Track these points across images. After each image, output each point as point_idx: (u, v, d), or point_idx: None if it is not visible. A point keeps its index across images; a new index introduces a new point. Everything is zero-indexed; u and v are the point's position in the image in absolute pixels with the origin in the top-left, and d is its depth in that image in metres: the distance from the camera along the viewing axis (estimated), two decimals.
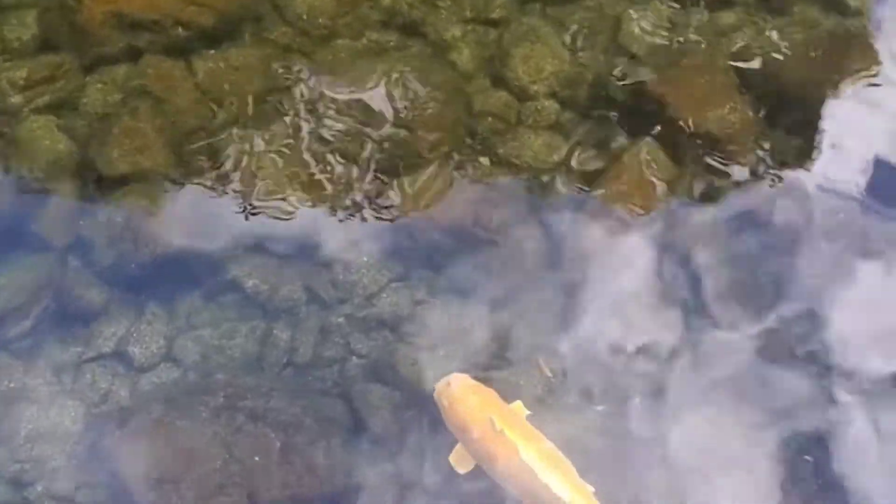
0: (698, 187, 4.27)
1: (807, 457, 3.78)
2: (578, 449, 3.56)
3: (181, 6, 4.36)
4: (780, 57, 4.49)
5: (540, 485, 3.36)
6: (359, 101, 4.33)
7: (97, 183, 4.16)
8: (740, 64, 4.48)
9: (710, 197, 4.25)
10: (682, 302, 4.03)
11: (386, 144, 4.27)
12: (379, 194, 4.20)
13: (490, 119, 4.39)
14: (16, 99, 4.27)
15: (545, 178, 4.27)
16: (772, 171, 4.31)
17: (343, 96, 4.35)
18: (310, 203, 4.17)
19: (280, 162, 4.23)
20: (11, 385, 3.85)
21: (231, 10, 4.45)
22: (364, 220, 4.16)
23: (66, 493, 3.68)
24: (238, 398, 3.76)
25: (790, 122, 4.42)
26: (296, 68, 4.43)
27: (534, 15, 4.61)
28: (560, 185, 4.26)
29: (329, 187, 4.21)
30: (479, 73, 4.51)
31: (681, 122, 4.27)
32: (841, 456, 3.77)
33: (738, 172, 4.30)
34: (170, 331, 3.97)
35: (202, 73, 4.34)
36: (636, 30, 4.55)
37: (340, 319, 3.98)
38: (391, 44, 4.53)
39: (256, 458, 3.65)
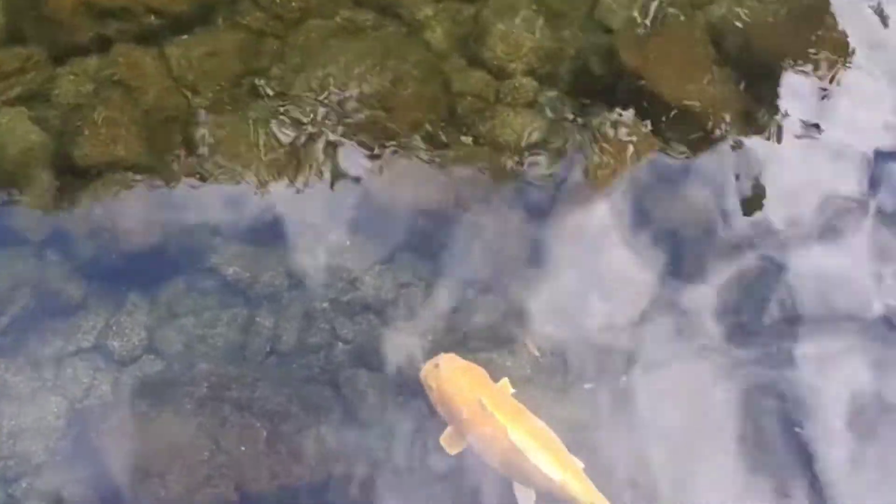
0: (678, 160, 4.26)
1: (797, 428, 3.79)
2: (568, 426, 3.56)
3: None
4: (759, 28, 4.48)
5: (530, 465, 3.37)
6: (335, 82, 4.30)
7: (72, 174, 4.11)
8: (718, 36, 4.47)
9: (690, 170, 4.24)
10: (666, 276, 4.04)
11: (364, 126, 4.24)
12: (359, 177, 4.17)
13: (469, 98, 4.36)
14: None
15: (526, 156, 4.26)
16: (751, 143, 4.31)
17: (318, 79, 4.31)
18: (289, 188, 4.14)
19: (256, 147, 4.20)
20: None
21: None
22: (345, 203, 4.13)
23: (51, 488, 3.64)
24: (223, 388, 3.74)
25: (769, 93, 4.43)
26: (270, 52, 4.39)
27: None
28: (541, 163, 4.25)
29: (308, 171, 4.18)
30: (452, 52, 4.48)
31: (660, 96, 4.26)
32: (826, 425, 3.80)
33: (718, 144, 4.30)
34: (151, 321, 3.94)
35: (175, 61, 4.30)
36: (613, 4, 4.55)
37: (325, 305, 3.95)
38: (368, 23, 4.50)
39: (243, 449, 3.63)
